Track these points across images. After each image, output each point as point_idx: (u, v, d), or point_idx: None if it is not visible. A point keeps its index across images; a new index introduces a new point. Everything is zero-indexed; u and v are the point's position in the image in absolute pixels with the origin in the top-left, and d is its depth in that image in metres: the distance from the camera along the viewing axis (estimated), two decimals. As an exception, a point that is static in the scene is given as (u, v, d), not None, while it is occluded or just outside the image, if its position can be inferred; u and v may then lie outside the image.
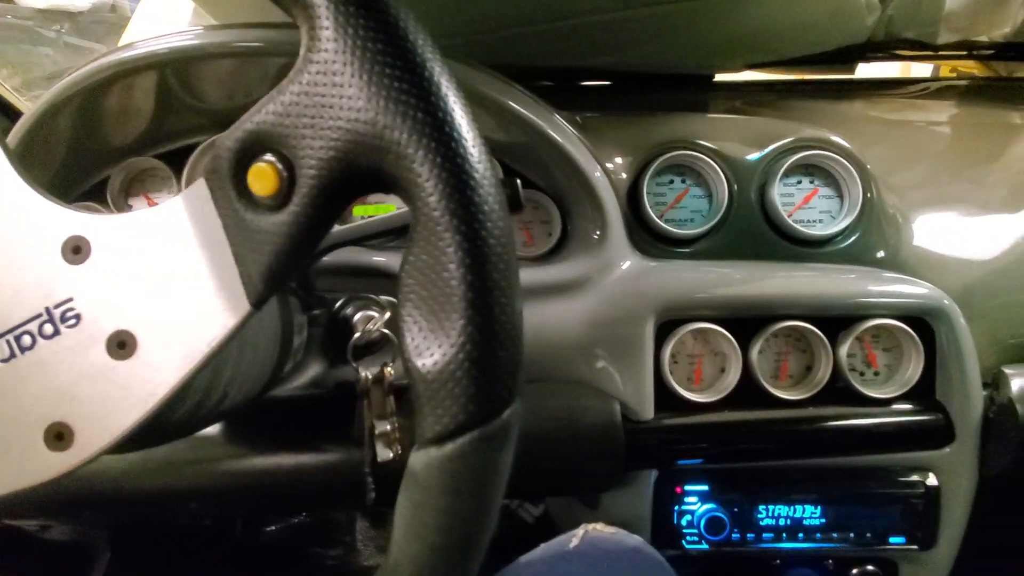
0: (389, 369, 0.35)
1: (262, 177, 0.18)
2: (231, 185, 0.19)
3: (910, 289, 0.43)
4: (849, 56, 0.71)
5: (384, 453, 0.37)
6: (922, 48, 0.69)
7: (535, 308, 0.44)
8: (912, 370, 0.43)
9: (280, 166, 0.18)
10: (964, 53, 0.72)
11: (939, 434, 0.42)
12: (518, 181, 0.30)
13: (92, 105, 0.43)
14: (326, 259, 0.41)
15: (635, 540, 0.36)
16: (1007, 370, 0.42)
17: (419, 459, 0.18)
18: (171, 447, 0.37)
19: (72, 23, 1.82)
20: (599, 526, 0.36)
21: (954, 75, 0.80)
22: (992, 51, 0.72)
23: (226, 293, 0.20)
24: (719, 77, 0.72)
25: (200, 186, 0.20)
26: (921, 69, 0.82)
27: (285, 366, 0.33)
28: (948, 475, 0.43)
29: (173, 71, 0.41)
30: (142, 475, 0.36)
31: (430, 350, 0.17)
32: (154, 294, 0.20)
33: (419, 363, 0.18)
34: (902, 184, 0.54)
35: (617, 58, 0.67)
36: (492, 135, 0.48)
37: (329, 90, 0.18)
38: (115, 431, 0.20)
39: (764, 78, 0.75)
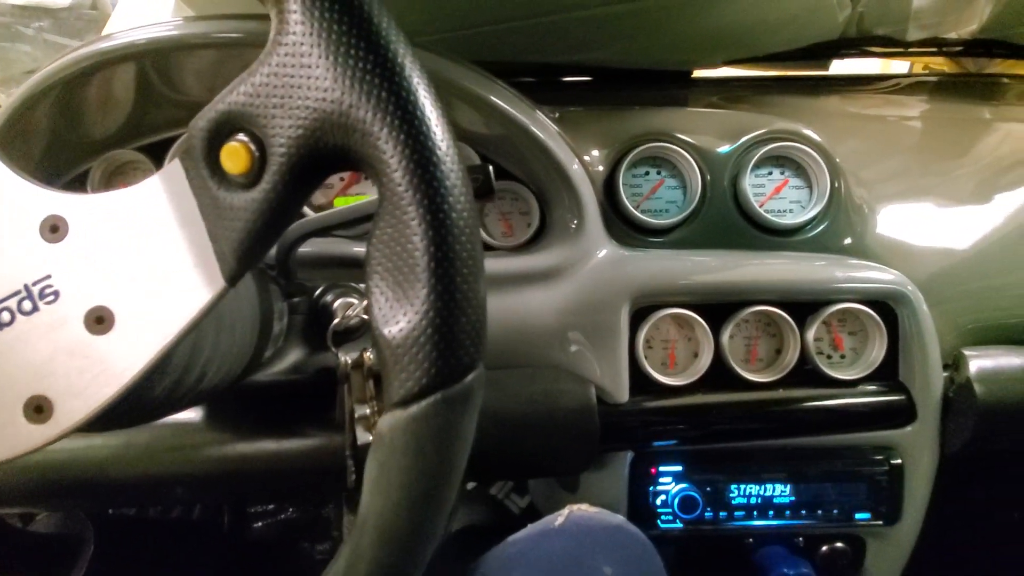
0: (368, 354, 0.36)
1: (234, 156, 0.19)
2: (204, 164, 0.20)
3: (874, 275, 0.45)
4: (823, 53, 0.72)
5: (364, 437, 0.37)
6: (893, 45, 0.71)
7: (514, 296, 0.45)
8: (876, 352, 0.44)
9: (252, 145, 0.19)
10: (934, 50, 0.74)
11: (902, 414, 0.44)
12: (490, 168, 0.31)
13: (71, 97, 0.43)
14: (307, 249, 0.42)
15: (618, 519, 0.37)
16: (966, 352, 0.44)
17: (385, 421, 0.19)
18: (154, 433, 0.37)
19: (52, 19, 1.80)
20: (584, 506, 0.37)
21: (926, 72, 0.82)
22: (961, 48, 0.74)
23: (201, 270, 0.21)
24: (697, 73, 0.74)
25: (175, 166, 0.21)
26: (895, 66, 0.84)
27: (265, 351, 0.34)
28: (911, 453, 0.45)
29: (152, 63, 0.42)
30: (126, 461, 0.37)
31: (396, 319, 0.18)
32: (131, 271, 0.21)
33: (385, 331, 0.18)
34: (873, 176, 0.56)
35: (597, 54, 0.68)
36: (473, 128, 0.49)
37: (297, 71, 0.18)
38: (93, 404, 0.21)
39: (741, 74, 0.76)
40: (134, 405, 0.24)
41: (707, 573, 0.48)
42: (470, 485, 0.75)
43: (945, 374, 0.45)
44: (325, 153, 0.19)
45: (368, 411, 0.37)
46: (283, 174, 0.19)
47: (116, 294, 0.21)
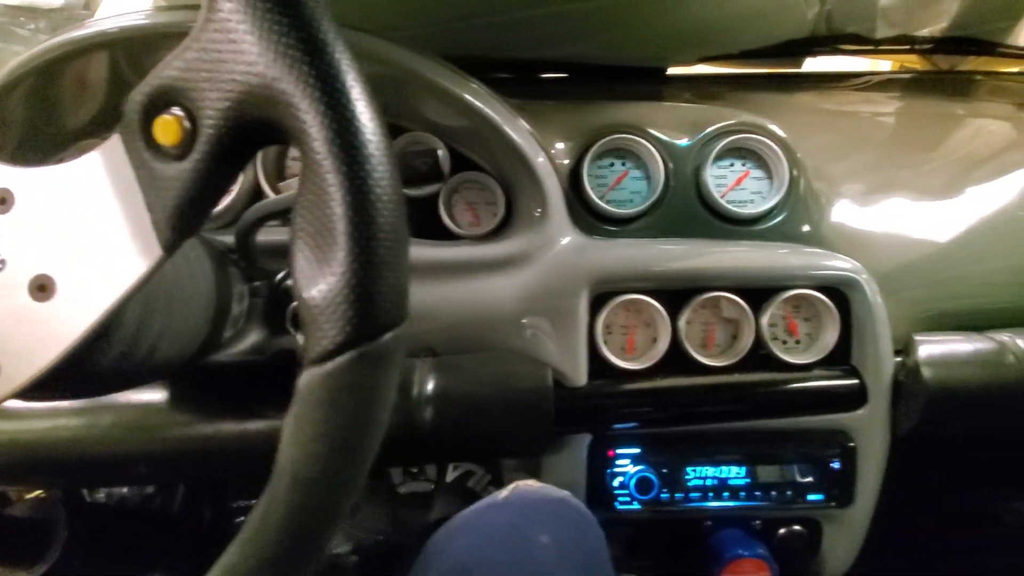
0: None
1: (166, 128, 0.20)
2: (140, 137, 0.21)
3: (828, 262, 0.46)
4: (795, 50, 0.74)
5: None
6: (864, 43, 0.72)
7: (478, 282, 0.46)
8: (829, 337, 0.45)
9: (183, 117, 0.20)
10: (904, 47, 0.75)
11: (853, 397, 0.45)
12: (439, 152, 0.32)
13: (46, 87, 0.44)
14: (277, 237, 0.43)
15: (562, 493, 0.38)
16: (917, 337, 0.45)
17: (303, 378, 0.20)
18: (117, 413, 0.38)
19: (47, 20, 1.81)
20: (530, 482, 0.38)
21: (899, 70, 0.83)
22: (931, 45, 0.75)
23: (139, 239, 0.22)
24: (672, 70, 0.75)
25: (115, 140, 0.22)
26: (870, 65, 0.86)
27: (223, 332, 0.35)
28: (863, 436, 0.46)
29: (123, 52, 0.43)
30: (90, 440, 0.38)
31: (316, 281, 0.19)
32: (73, 241, 0.22)
33: (307, 294, 0.19)
34: (841, 171, 0.57)
35: (572, 50, 0.69)
36: (441, 120, 0.50)
37: (225, 46, 0.19)
38: (39, 365, 0.22)
39: (716, 71, 0.77)
40: (83, 373, 0.25)
41: (666, 556, 0.49)
42: (450, 476, 0.76)
43: (898, 359, 0.46)
44: (252, 125, 0.20)
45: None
46: (212, 145, 0.20)
47: (58, 263, 0.22)
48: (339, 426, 0.19)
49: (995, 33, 0.73)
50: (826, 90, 0.74)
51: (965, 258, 0.52)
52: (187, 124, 0.20)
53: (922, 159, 0.62)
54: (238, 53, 0.19)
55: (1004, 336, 0.46)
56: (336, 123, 0.19)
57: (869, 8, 0.68)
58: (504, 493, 0.38)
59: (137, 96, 0.21)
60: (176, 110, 0.20)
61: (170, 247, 0.22)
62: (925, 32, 0.75)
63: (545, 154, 0.48)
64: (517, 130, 0.47)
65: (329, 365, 0.19)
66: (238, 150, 0.21)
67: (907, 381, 0.44)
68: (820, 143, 0.60)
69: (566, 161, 0.49)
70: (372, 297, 0.19)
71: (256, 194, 0.50)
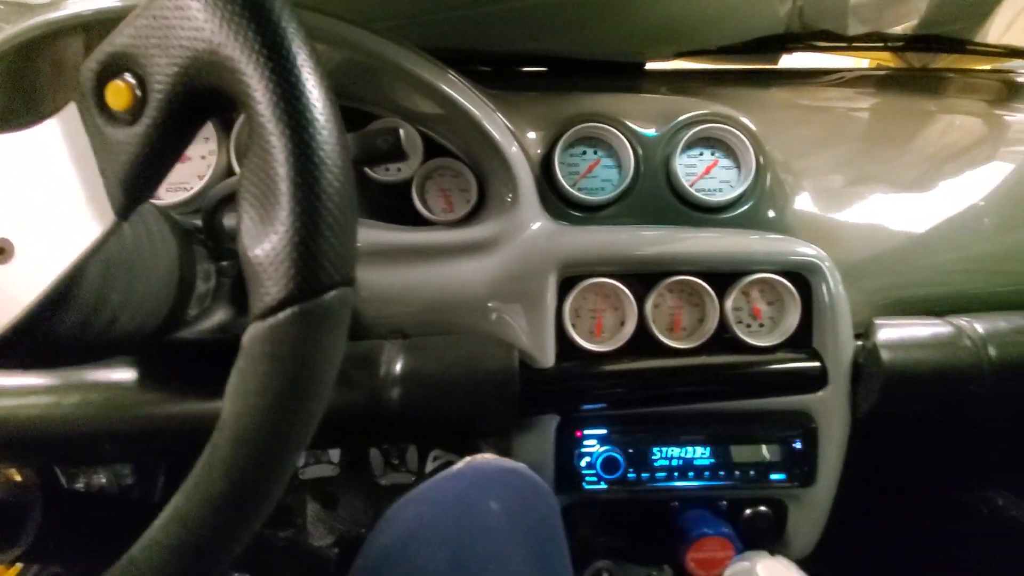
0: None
1: (117, 93, 0.21)
2: (94, 103, 0.22)
3: (790, 247, 0.47)
4: (770, 47, 0.75)
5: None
6: (836, 40, 0.74)
7: (450, 266, 0.47)
8: (791, 320, 0.46)
9: (134, 83, 0.21)
10: (877, 45, 0.77)
11: (815, 379, 0.46)
12: (400, 131, 0.33)
13: (22, 70, 0.45)
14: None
15: (515, 464, 0.39)
16: (877, 321, 0.46)
17: (247, 334, 0.20)
18: (83, 391, 0.39)
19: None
20: (486, 456, 0.39)
21: (872, 67, 0.85)
22: (902, 43, 0.77)
23: (93, 204, 0.22)
24: (651, 65, 0.76)
25: (71, 108, 0.23)
26: (844, 63, 0.87)
27: (188, 308, 0.36)
28: (824, 417, 0.47)
29: (99, 35, 0.43)
30: (56, 418, 0.38)
31: (260, 240, 0.20)
32: (31, 205, 0.23)
33: (251, 253, 0.20)
34: (812, 163, 0.59)
35: (550, 44, 0.70)
36: (415, 107, 0.51)
37: (174, 13, 0.20)
38: None
39: (693, 67, 0.79)
40: (41, 339, 0.26)
41: (635, 537, 0.50)
42: (430, 467, 0.76)
43: (858, 343, 0.47)
44: (201, 91, 0.21)
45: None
46: (162, 110, 0.21)
47: (16, 227, 0.23)
48: (280, 380, 0.20)
49: (964, 31, 0.74)
50: (801, 86, 0.76)
51: (927, 249, 0.53)
52: (137, 90, 0.21)
53: (893, 154, 0.64)
54: (186, 20, 0.20)
55: (962, 320, 0.47)
56: (280, 87, 0.20)
57: (840, 5, 0.69)
58: (459, 465, 0.38)
59: (91, 63, 0.22)
60: (127, 76, 0.21)
61: (123, 211, 0.23)
62: (897, 30, 0.77)
63: (517, 142, 0.49)
64: (489, 118, 0.48)
65: (271, 320, 0.20)
66: (187, 116, 0.22)
67: (866, 363, 0.45)
68: (794, 137, 0.61)
69: (539, 149, 0.50)
70: (315, 256, 0.20)
71: (229, 175, 0.50)
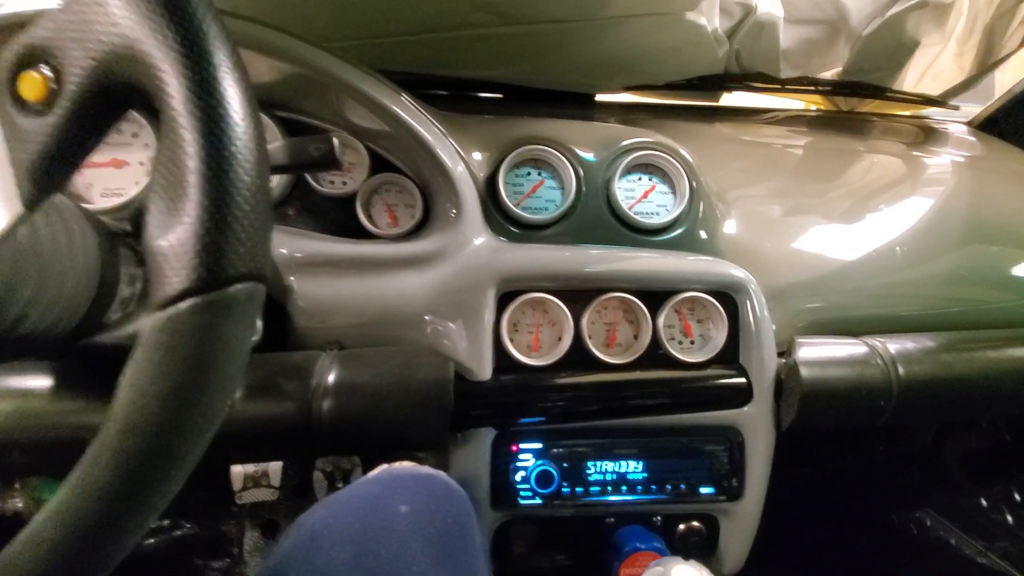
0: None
1: (32, 84, 0.21)
2: (7, 92, 0.22)
3: (719, 268, 0.49)
4: (711, 85, 0.80)
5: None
6: (771, 82, 0.80)
7: (391, 279, 0.47)
8: (718, 337, 0.48)
9: (49, 75, 0.21)
10: (808, 88, 0.83)
11: (741, 394, 0.48)
12: (334, 139, 0.34)
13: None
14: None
15: (432, 470, 0.39)
16: (798, 339, 0.49)
17: (144, 324, 0.20)
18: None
19: None
20: (404, 463, 0.39)
21: (805, 110, 0.92)
22: (830, 87, 0.84)
23: (1, 194, 0.22)
24: (601, 97, 0.80)
25: None
26: (781, 103, 0.94)
27: (108, 311, 0.35)
28: (750, 431, 0.48)
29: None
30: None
31: (165, 231, 0.20)
32: None
33: (155, 244, 0.20)
34: (751, 193, 0.62)
35: (505, 71, 0.73)
36: (362, 123, 0.52)
37: (93, 9, 0.21)
38: None
39: (641, 101, 0.83)
40: None
41: (573, 554, 0.50)
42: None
43: (781, 360, 0.49)
44: (116, 86, 0.21)
45: (220, 378, 0.38)
46: (75, 103, 0.21)
47: None
48: (176, 371, 0.20)
49: (883, 79, 0.81)
50: (739, 123, 0.81)
51: (847, 275, 0.57)
52: (52, 81, 0.21)
53: (821, 188, 0.68)
54: (104, 16, 0.21)
55: (876, 341, 0.50)
56: (194, 82, 0.20)
57: (772, 50, 0.75)
58: (375, 472, 0.38)
59: (7, 53, 0.22)
60: (43, 67, 0.21)
61: (31, 202, 0.22)
62: (826, 75, 0.83)
63: (463, 161, 0.50)
64: (435, 136, 0.49)
65: (170, 310, 0.20)
66: (101, 110, 0.22)
67: (787, 379, 0.48)
68: (731, 169, 0.65)
69: (485, 169, 0.52)
70: (220, 247, 0.20)
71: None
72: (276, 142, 0.35)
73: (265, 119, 0.49)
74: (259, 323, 0.41)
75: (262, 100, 0.49)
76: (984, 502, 0.74)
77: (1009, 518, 0.70)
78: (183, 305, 0.20)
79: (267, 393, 0.39)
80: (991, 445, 0.75)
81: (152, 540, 0.91)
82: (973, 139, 0.82)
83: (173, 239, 0.20)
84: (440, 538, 0.31)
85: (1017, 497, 0.70)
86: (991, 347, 0.50)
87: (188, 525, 0.91)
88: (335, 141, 0.33)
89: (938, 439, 0.77)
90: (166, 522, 0.90)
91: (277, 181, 0.49)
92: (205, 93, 0.20)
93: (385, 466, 0.39)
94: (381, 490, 0.34)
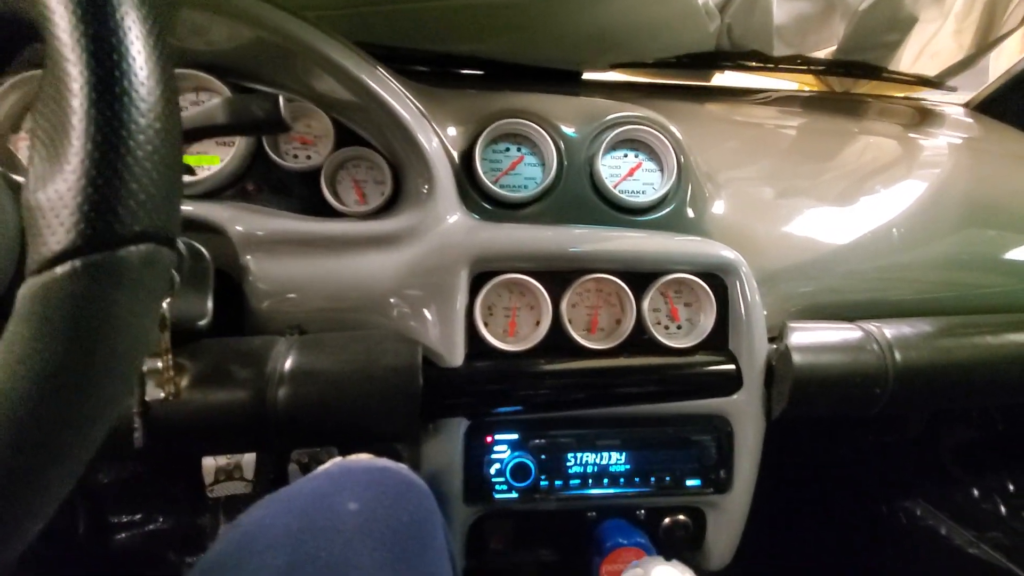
0: (165, 304, 0.34)
1: None
2: None
3: (707, 249, 0.46)
4: (702, 63, 0.77)
5: (154, 392, 0.35)
6: (764, 60, 0.77)
7: (357, 259, 0.44)
8: (706, 321, 0.46)
9: None
10: (801, 68, 0.80)
11: (730, 382, 0.45)
12: (280, 97, 0.30)
13: None
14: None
15: (388, 462, 0.36)
16: (790, 324, 0.46)
17: (21, 291, 0.17)
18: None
19: None
20: (360, 455, 0.36)
21: (799, 90, 0.89)
22: (824, 67, 0.81)
23: None
24: (588, 75, 0.77)
25: None
26: (774, 84, 0.91)
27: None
28: (739, 421, 0.46)
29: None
30: None
31: (45, 183, 0.17)
32: None
33: (33, 196, 0.17)
34: (743, 175, 0.60)
35: (488, 46, 0.70)
36: (329, 93, 0.48)
37: None
38: None
39: (629, 79, 0.80)
40: None
41: (557, 551, 0.47)
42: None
43: (772, 346, 0.47)
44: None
45: (160, 365, 0.35)
46: None
47: None
48: (50, 349, 0.16)
49: (879, 59, 0.79)
50: (731, 103, 0.78)
51: (841, 258, 0.54)
52: None
53: (814, 170, 0.66)
54: None
55: (871, 325, 0.47)
56: (82, 9, 0.17)
57: (765, 26, 0.72)
58: (326, 465, 0.35)
59: None
60: None
61: None
62: (820, 55, 0.81)
63: (437, 134, 0.47)
64: (406, 106, 0.46)
65: (45, 275, 0.16)
66: None
67: (778, 365, 0.45)
68: (722, 150, 0.62)
69: (461, 144, 0.49)
70: (108, 201, 0.17)
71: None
72: (214, 100, 0.31)
73: (219, 85, 0.45)
74: (209, 304, 0.38)
75: (216, 65, 0.46)
76: (976, 492, 0.73)
77: (1002, 508, 0.68)
78: (59, 270, 0.16)
79: (218, 381, 0.36)
80: (984, 435, 0.73)
81: (123, 535, 0.88)
82: (971, 120, 0.79)
83: (52, 192, 0.17)
84: (394, 539, 0.28)
85: (1011, 487, 0.69)
86: (991, 333, 0.48)
87: (161, 519, 0.88)
88: (281, 100, 0.30)
89: (930, 428, 0.75)
90: (138, 516, 0.87)
91: (234, 153, 0.46)
92: (95, 21, 0.17)
93: (338, 459, 0.36)
94: (328, 486, 0.31)
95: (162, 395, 0.34)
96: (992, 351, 0.47)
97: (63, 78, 0.17)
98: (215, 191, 0.46)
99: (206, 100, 0.47)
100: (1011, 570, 0.67)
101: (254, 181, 0.47)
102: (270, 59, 0.47)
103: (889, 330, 0.47)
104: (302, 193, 0.48)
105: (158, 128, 0.18)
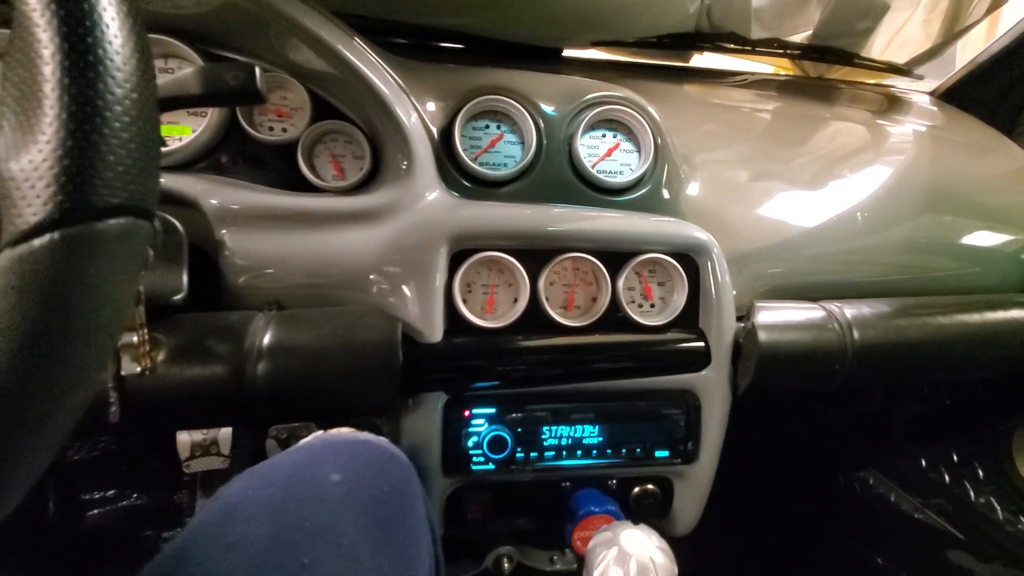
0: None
1: None
2: None
3: (681, 230, 0.48)
4: (681, 44, 0.77)
5: (131, 367, 0.34)
6: (741, 43, 0.77)
7: (337, 235, 0.44)
8: (678, 299, 0.47)
9: None
10: (777, 52, 0.81)
11: (700, 358, 0.47)
12: (257, 68, 0.30)
13: None
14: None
15: (369, 435, 0.37)
16: (757, 303, 0.48)
17: None
18: None
19: None
20: (341, 429, 0.36)
21: (774, 74, 0.90)
22: (799, 51, 0.82)
23: None
24: (568, 53, 0.76)
25: None
26: (751, 68, 0.92)
27: None
28: (707, 395, 0.48)
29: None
30: None
31: (19, 153, 0.17)
32: None
33: (4, 168, 0.17)
34: (718, 157, 0.61)
35: (468, 21, 0.68)
36: (306, 64, 0.47)
37: None
38: None
39: (609, 58, 0.80)
40: None
41: (535, 520, 0.49)
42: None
43: (740, 324, 0.49)
44: None
45: (136, 339, 0.34)
46: None
47: None
48: (27, 321, 0.16)
49: (852, 45, 0.80)
50: (708, 84, 0.79)
51: (809, 241, 0.57)
52: None
53: (787, 154, 0.67)
54: None
55: (833, 306, 0.50)
56: None
57: (744, 9, 0.72)
58: (308, 439, 0.36)
59: None
60: None
61: None
62: (796, 39, 0.82)
63: (416, 109, 0.47)
64: (385, 81, 0.45)
65: (21, 248, 0.16)
66: None
67: (745, 342, 0.47)
68: (699, 132, 0.63)
69: (441, 119, 0.48)
70: (84, 172, 0.17)
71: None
72: (186, 69, 0.30)
73: (189, 52, 0.44)
74: (184, 278, 0.38)
75: (185, 30, 0.44)
76: (924, 462, 0.78)
77: (946, 477, 0.73)
78: (37, 242, 0.16)
79: (195, 355, 0.36)
80: (932, 409, 0.78)
81: (98, 511, 0.87)
82: (935, 109, 0.82)
83: (26, 162, 0.16)
84: (375, 507, 0.29)
85: (955, 457, 0.74)
86: (942, 313, 0.51)
87: (135, 496, 0.88)
88: (257, 70, 0.29)
89: (884, 403, 0.80)
90: (111, 493, 0.86)
91: (206, 124, 0.45)
92: None
93: (319, 432, 0.37)
94: (310, 458, 0.32)
95: (138, 369, 0.34)
96: (941, 330, 0.50)
97: (32, 43, 0.17)
98: (187, 163, 0.45)
99: (175, 68, 0.46)
100: (951, 533, 0.73)
101: (228, 153, 0.46)
102: (241, 26, 0.45)
103: (849, 310, 0.49)
104: (278, 167, 0.47)
105: (135, 98, 0.18)
